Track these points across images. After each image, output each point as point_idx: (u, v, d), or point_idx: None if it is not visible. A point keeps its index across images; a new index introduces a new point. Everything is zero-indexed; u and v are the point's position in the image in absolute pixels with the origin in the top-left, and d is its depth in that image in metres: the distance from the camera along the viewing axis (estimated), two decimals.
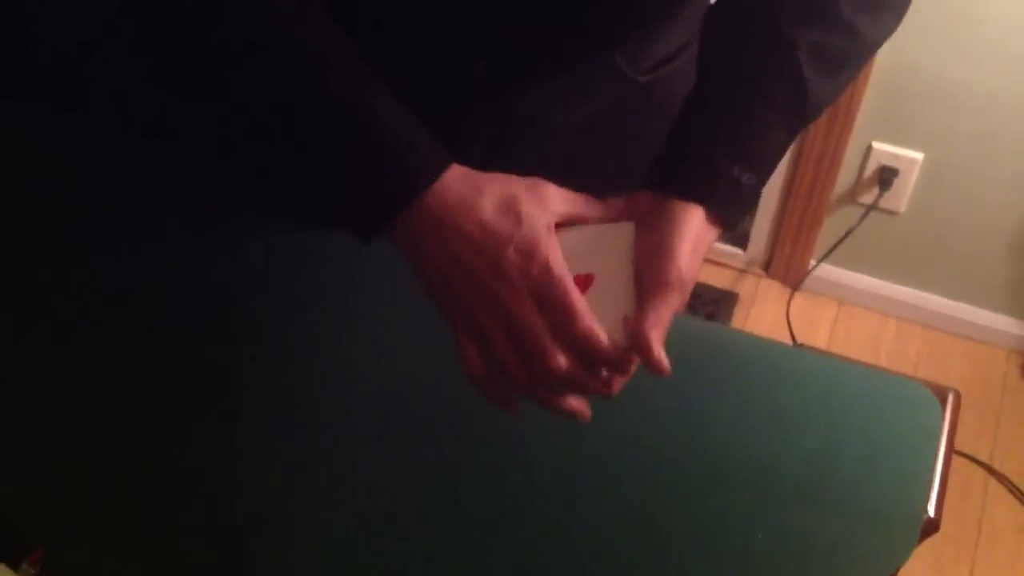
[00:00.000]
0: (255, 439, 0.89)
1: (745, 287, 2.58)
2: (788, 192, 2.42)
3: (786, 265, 2.55)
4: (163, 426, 0.90)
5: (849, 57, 0.85)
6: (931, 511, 0.86)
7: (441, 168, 0.75)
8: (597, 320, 0.73)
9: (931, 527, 0.85)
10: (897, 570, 0.82)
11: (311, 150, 0.78)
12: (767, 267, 2.60)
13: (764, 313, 2.52)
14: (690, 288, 0.76)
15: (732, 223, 0.80)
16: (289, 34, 0.77)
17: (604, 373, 0.75)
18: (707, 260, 2.70)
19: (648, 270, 0.76)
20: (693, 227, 0.77)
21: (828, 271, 2.53)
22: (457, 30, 0.89)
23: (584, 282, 0.77)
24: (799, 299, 2.55)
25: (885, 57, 2.13)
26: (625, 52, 0.97)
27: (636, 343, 0.73)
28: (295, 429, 0.89)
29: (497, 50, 0.91)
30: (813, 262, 2.51)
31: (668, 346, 0.74)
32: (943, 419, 0.92)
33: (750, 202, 0.80)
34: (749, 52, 0.83)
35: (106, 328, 0.97)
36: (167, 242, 1.04)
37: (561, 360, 0.72)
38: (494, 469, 0.87)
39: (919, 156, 2.25)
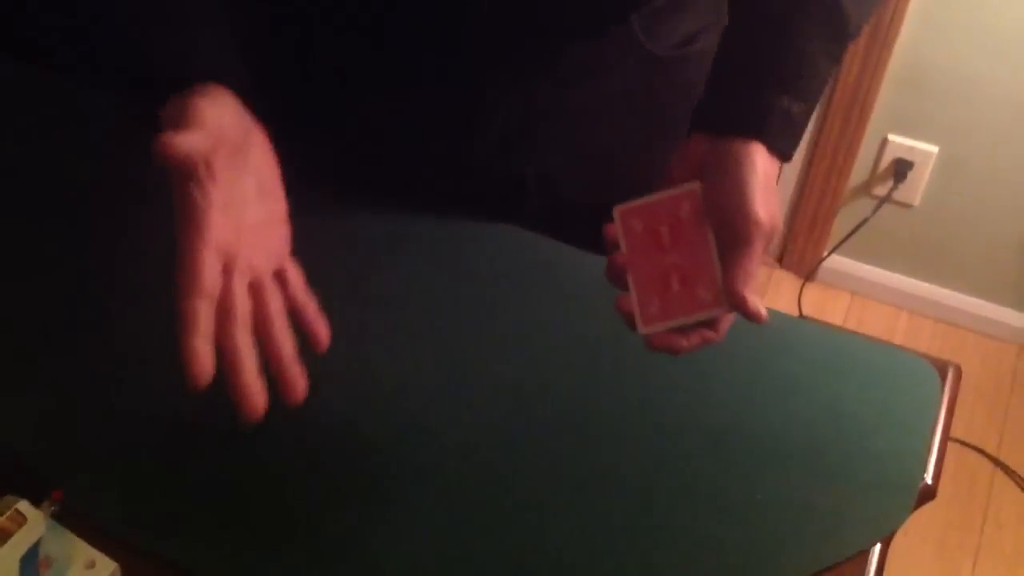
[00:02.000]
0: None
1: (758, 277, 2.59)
2: (803, 183, 2.44)
3: (799, 256, 2.56)
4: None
5: None
6: (928, 479, 0.87)
7: (201, 79, 0.74)
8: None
9: (927, 494, 0.87)
10: (892, 533, 0.84)
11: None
12: (780, 258, 2.61)
13: (776, 303, 2.53)
14: (774, 230, 0.74)
15: (788, 154, 0.78)
16: None
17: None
18: None
19: (727, 224, 0.74)
20: (758, 165, 0.74)
21: (841, 262, 2.54)
22: None
23: (667, 250, 0.76)
24: (811, 290, 2.56)
25: (903, 51, 2.14)
26: (644, 25, 0.98)
27: (732, 301, 0.73)
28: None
29: (507, 13, 0.91)
30: (826, 253, 2.53)
31: None
32: (943, 391, 0.94)
33: (801, 131, 0.78)
34: None
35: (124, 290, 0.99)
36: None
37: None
38: (502, 427, 0.89)
39: (934, 149, 2.26)
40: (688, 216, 0.76)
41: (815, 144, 2.35)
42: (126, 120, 1.16)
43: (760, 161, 0.74)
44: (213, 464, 0.86)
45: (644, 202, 0.78)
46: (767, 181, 0.75)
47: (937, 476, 0.88)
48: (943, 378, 0.95)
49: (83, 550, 0.77)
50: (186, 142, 0.68)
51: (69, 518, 0.79)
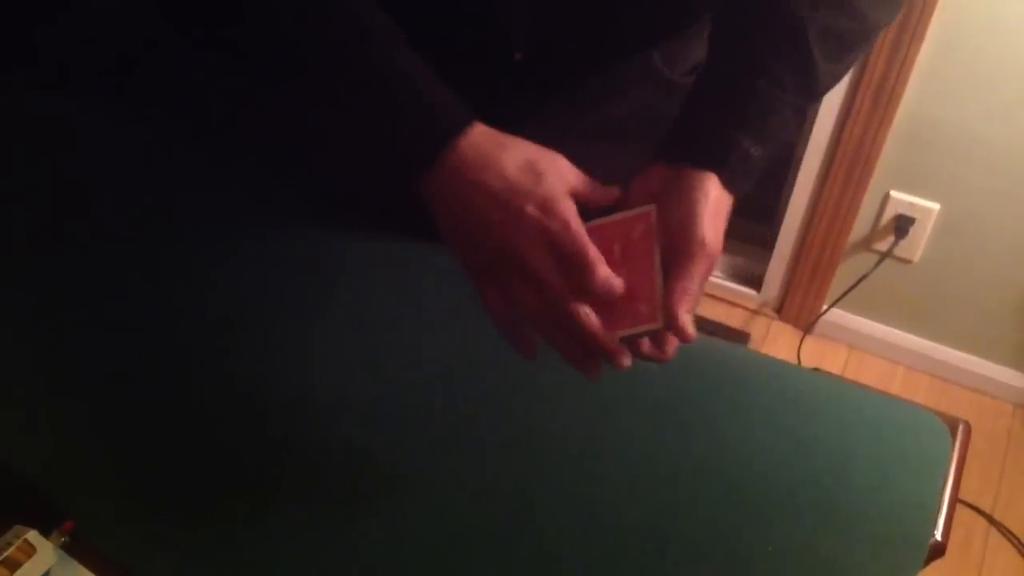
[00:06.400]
0: (275, 426, 0.91)
1: (757, 328, 2.60)
2: (804, 236, 2.45)
3: (799, 308, 2.57)
4: (182, 411, 0.92)
5: (856, 41, 0.87)
6: (938, 535, 0.87)
7: (464, 125, 0.77)
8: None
9: (937, 551, 0.87)
10: None
11: (344, 108, 0.79)
12: (780, 309, 2.62)
13: (775, 355, 2.51)
14: (717, 253, 0.78)
15: (741, 192, 0.82)
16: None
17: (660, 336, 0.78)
18: (720, 299, 2.74)
19: (673, 242, 0.78)
20: (711, 193, 0.79)
21: (840, 316, 2.54)
22: (496, 18, 0.91)
23: (617, 267, 0.77)
24: (810, 342, 2.57)
25: (907, 107, 2.16)
26: (663, 52, 0.99)
27: (665, 316, 0.75)
28: (312, 417, 0.91)
29: (536, 39, 0.92)
30: (825, 306, 2.53)
31: (690, 364, 0.75)
32: (952, 447, 0.94)
33: (758, 174, 0.82)
34: (761, 31, 0.84)
35: (128, 327, 0.99)
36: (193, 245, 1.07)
37: (583, 310, 0.75)
38: (509, 475, 0.89)
39: (935, 206, 2.27)
40: (640, 236, 0.79)
41: (817, 197, 2.36)
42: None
43: (713, 190, 0.79)
44: (229, 497, 0.86)
45: (602, 222, 0.81)
46: (717, 208, 0.79)
47: (947, 533, 0.88)
48: (953, 435, 0.96)
49: None
50: (571, 206, 0.76)
51: (79, 549, 0.79)
